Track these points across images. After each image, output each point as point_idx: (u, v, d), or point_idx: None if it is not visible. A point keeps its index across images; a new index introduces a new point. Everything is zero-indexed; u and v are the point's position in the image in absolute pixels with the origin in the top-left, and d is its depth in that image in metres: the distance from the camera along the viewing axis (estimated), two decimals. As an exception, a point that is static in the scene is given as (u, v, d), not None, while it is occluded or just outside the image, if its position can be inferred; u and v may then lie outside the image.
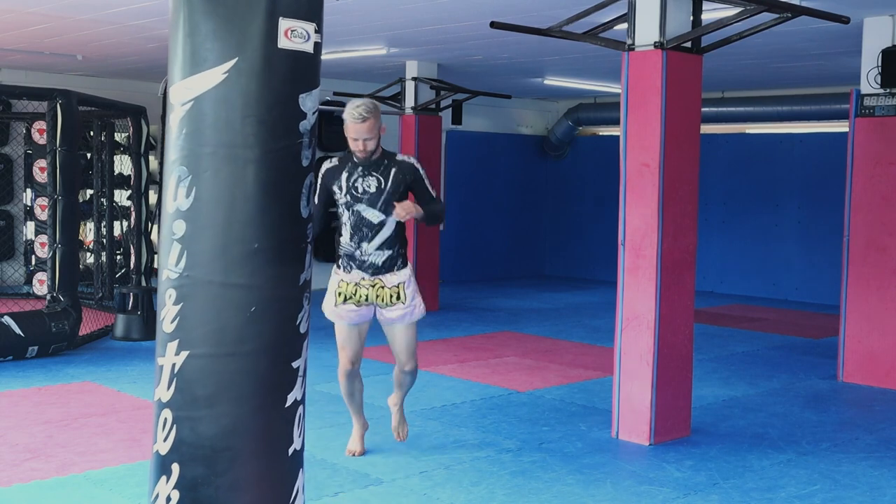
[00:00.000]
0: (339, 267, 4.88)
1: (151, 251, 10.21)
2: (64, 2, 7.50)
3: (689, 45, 5.64)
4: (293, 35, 2.44)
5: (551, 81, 12.29)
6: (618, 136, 5.79)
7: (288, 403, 2.56)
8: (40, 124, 10.08)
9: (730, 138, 13.38)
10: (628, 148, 5.67)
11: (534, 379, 7.39)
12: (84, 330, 8.46)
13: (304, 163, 2.51)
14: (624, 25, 5.75)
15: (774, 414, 6.43)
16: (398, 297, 4.82)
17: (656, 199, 5.55)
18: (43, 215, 9.86)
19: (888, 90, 7.11)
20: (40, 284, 10.22)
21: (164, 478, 2.52)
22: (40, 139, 10.33)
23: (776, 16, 5.50)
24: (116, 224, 10.84)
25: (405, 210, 4.68)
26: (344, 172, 4.80)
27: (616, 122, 12.52)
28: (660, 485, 4.88)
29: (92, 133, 10.74)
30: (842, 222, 7.53)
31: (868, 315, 7.31)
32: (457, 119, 11.86)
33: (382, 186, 4.75)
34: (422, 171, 4.86)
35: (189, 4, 2.41)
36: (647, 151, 5.58)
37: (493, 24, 6.06)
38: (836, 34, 7.90)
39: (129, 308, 9.00)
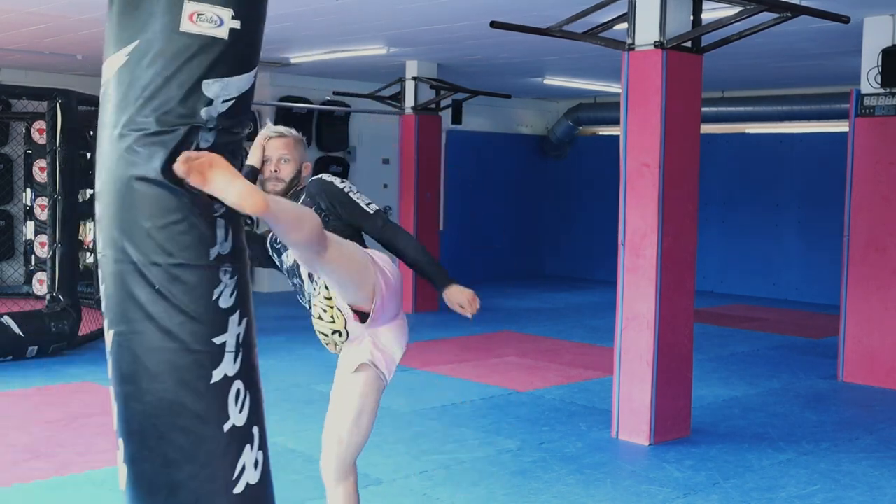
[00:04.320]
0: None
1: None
2: (64, 2, 7.50)
3: (689, 44, 5.64)
4: (199, 19, 2.42)
5: (551, 81, 12.29)
6: (618, 136, 5.78)
7: (215, 379, 2.56)
8: (40, 124, 10.07)
9: (730, 138, 13.38)
10: (628, 148, 5.67)
11: (534, 379, 7.39)
12: (84, 330, 8.45)
13: (203, 145, 2.51)
14: (624, 25, 5.76)
15: (774, 414, 6.43)
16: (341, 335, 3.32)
17: (656, 199, 5.54)
18: (43, 215, 9.84)
19: (888, 90, 7.11)
20: (40, 284, 10.21)
21: (118, 451, 2.68)
22: (40, 139, 10.32)
23: (776, 16, 5.50)
24: (116, 224, 10.82)
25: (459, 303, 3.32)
26: None
27: (616, 122, 12.51)
28: (660, 485, 4.88)
29: (92, 133, 10.74)
30: (842, 222, 7.53)
31: (868, 315, 7.30)
32: (457, 119, 11.85)
33: None
34: (340, 185, 3.41)
35: None
36: (647, 151, 5.57)
37: (493, 24, 6.06)
38: (836, 34, 7.90)
39: (129, 308, 8.99)
